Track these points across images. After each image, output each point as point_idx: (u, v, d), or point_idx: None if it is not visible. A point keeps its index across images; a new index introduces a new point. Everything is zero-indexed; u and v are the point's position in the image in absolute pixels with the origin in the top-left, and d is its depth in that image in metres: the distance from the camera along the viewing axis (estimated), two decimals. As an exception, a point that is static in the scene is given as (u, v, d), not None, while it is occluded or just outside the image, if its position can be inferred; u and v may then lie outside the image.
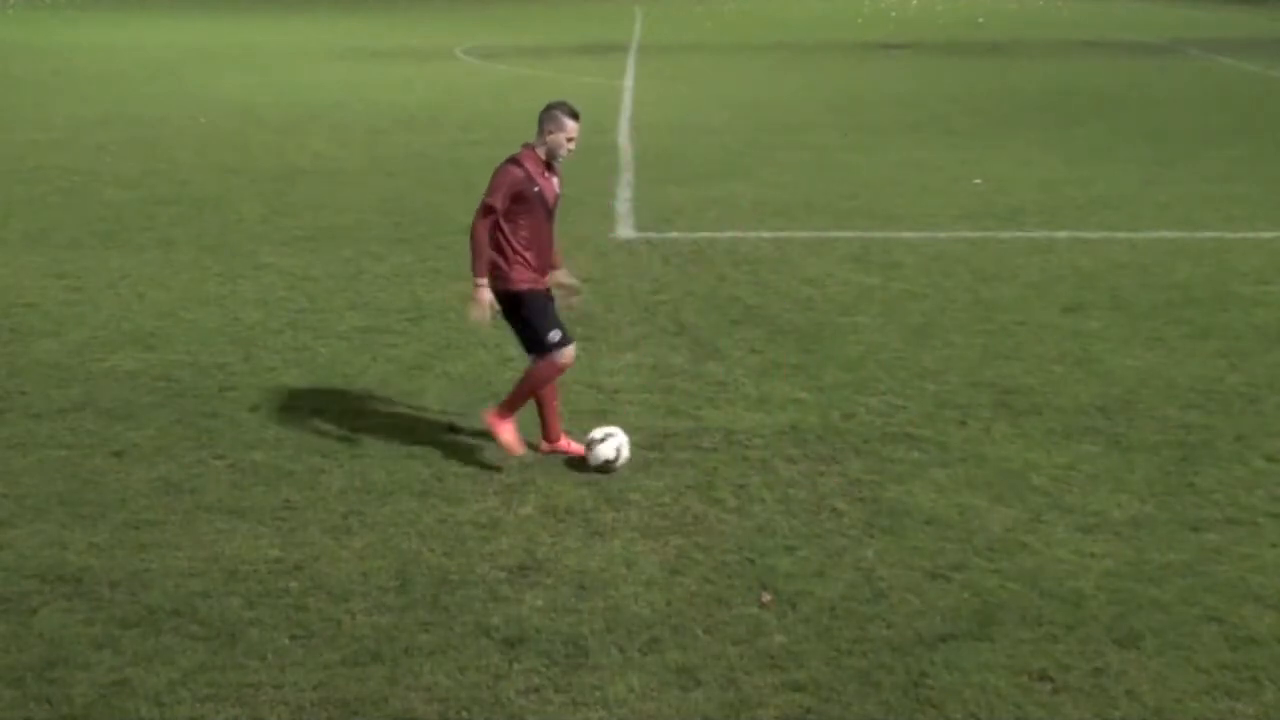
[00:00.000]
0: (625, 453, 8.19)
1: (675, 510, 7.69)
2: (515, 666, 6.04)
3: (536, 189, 8.00)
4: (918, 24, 49.42)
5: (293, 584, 6.79)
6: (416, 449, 8.54)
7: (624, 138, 21.70)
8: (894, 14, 55.12)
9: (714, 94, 27.60)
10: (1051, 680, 5.94)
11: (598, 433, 8.22)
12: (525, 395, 8.26)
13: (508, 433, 8.26)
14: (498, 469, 8.24)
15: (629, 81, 29.92)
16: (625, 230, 14.93)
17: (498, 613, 6.51)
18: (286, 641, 6.24)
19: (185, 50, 36.89)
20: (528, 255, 8.08)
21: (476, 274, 7.98)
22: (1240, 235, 14.64)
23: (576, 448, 8.35)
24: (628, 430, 8.88)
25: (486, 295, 8.00)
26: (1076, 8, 59.09)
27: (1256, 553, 7.17)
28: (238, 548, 7.19)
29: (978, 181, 17.74)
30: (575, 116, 8.06)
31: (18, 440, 8.72)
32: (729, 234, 14.68)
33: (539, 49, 38.23)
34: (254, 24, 47.44)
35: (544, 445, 8.47)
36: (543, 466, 8.28)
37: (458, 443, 8.65)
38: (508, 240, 8.03)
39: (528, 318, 8.15)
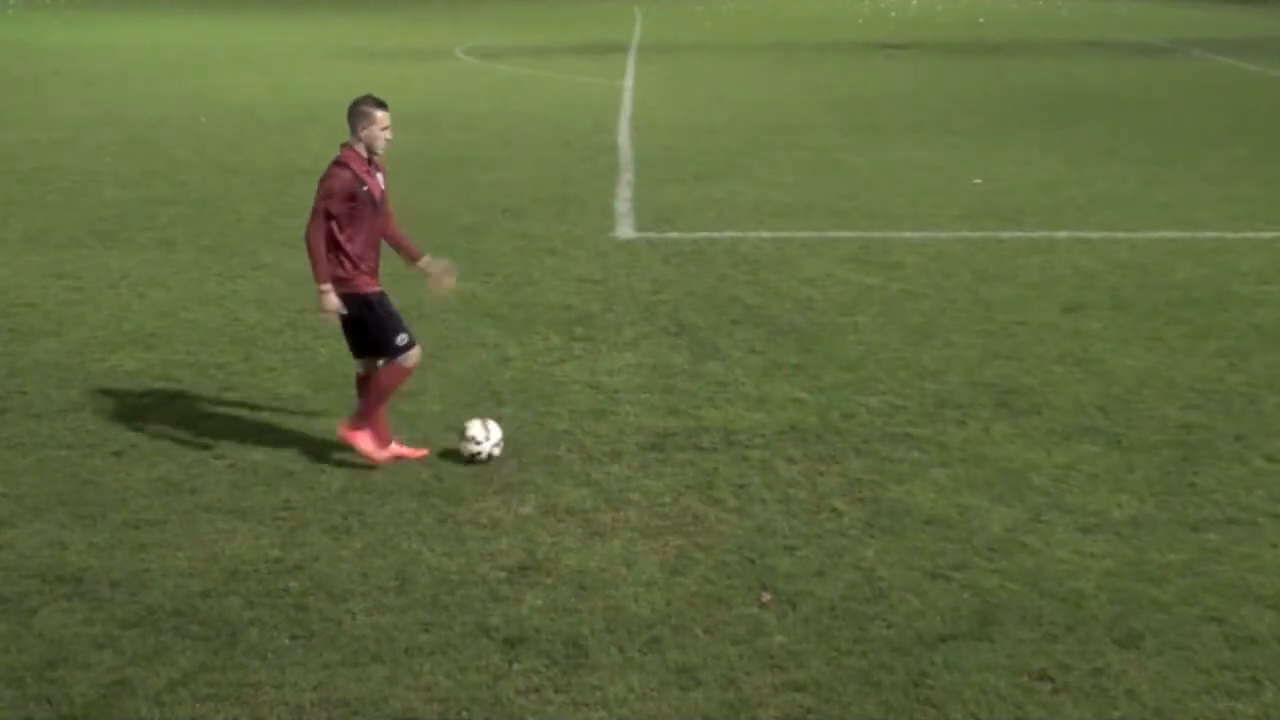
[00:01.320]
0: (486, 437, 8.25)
1: (675, 510, 7.69)
2: (515, 666, 6.04)
3: (365, 188, 8.03)
4: (918, 24, 49.42)
5: (293, 584, 6.79)
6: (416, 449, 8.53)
7: (624, 138, 21.70)
8: (894, 14, 55.12)
9: (714, 94, 27.59)
10: (1051, 680, 5.94)
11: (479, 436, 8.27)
12: (377, 403, 8.22)
13: (364, 441, 8.21)
14: (498, 469, 8.24)
15: (629, 81, 29.91)
16: (625, 230, 14.93)
17: (498, 613, 6.51)
18: (286, 641, 6.24)
19: (185, 50, 36.89)
20: (368, 257, 8.12)
21: (320, 280, 8.01)
22: (1240, 235, 14.64)
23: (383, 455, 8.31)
24: (628, 431, 8.89)
25: (332, 301, 8.04)
26: (1076, 8, 59.10)
27: (1256, 553, 7.17)
28: (238, 548, 7.19)
29: (978, 181, 17.74)
30: (383, 106, 8.11)
31: (18, 440, 8.72)
32: (729, 234, 14.68)
33: (539, 49, 38.24)
34: (254, 24, 47.44)
35: (342, 427, 8.37)
36: (542, 466, 8.28)
37: (458, 442, 8.64)
38: (347, 245, 8.04)
39: (378, 321, 8.15)
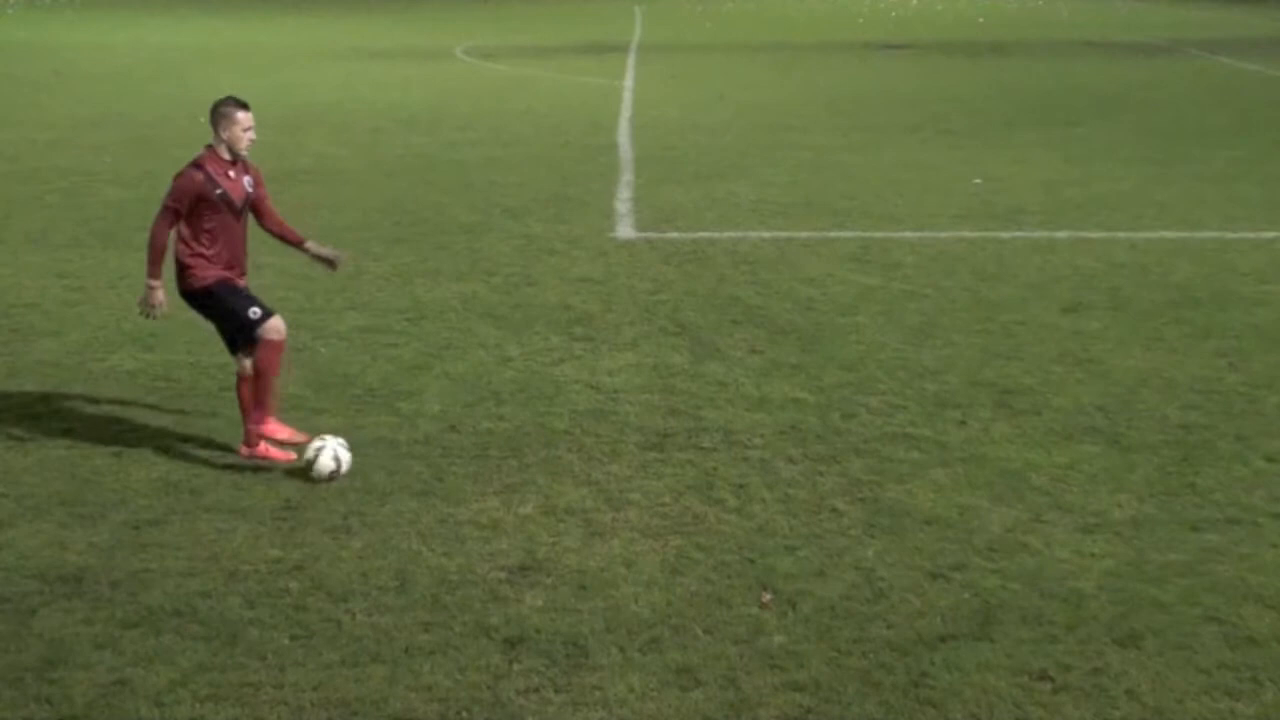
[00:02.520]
0: (345, 456, 8.04)
1: (675, 510, 7.69)
2: (515, 666, 6.04)
3: (219, 190, 8.08)
4: (918, 24, 49.42)
5: (293, 584, 6.79)
6: (416, 449, 8.54)
7: (624, 138, 21.71)
8: (894, 14, 55.13)
9: (714, 94, 27.58)
10: (1051, 680, 5.94)
11: (312, 447, 8.10)
12: (268, 387, 8.30)
13: (280, 432, 8.26)
14: (498, 469, 8.24)
15: (629, 81, 29.91)
16: (625, 230, 14.93)
17: (498, 613, 6.51)
18: (286, 641, 6.24)
19: (185, 50, 36.89)
20: (212, 254, 8.17)
21: (149, 275, 8.18)
22: (1240, 235, 14.64)
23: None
24: (628, 430, 8.89)
25: (159, 296, 8.22)
26: (1076, 8, 59.09)
27: (1256, 553, 7.17)
28: (238, 548, 7.19)
29: (978, 181, 17.74)
30: (244, 106, 8.20)
31: (18, 440, 8.72)
32: (729, 234, 14.68)
33: (539, 49, 38.24)
34: (254, 24, 47.44)
35: (243, 450, 8.36)
36: (542, 466, 8.29)
37: (458, 443, 8.65)
38: (191, 241, 8.13)
39: (223, 306, 8.23)
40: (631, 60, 35.08)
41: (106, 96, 26.73)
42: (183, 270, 8.19)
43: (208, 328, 11.12)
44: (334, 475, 8.00)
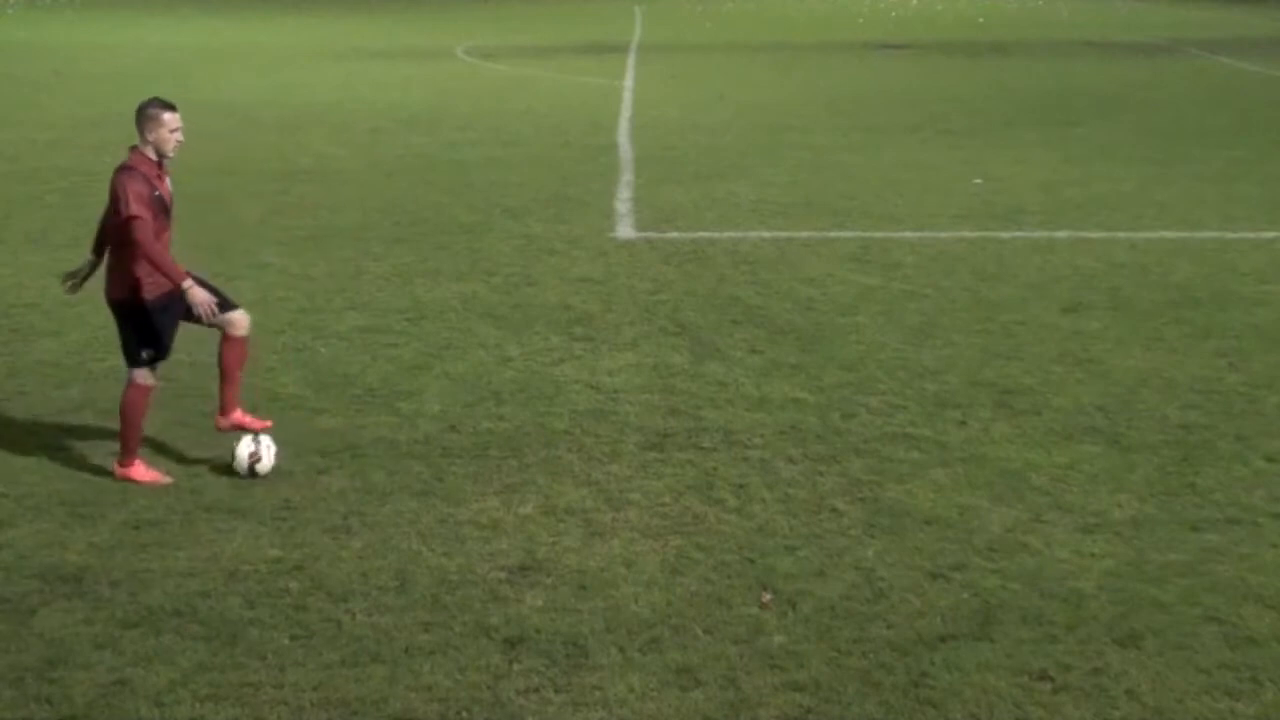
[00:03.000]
0: (270, 453, 8.09)
1: (675, 510, 7.69)
2: (515, 666, 6.04)
3: (157, 193, 7.89)
4: (918, 24, 49.42)
5: (293, 584, 6.79)
6: (416, 449, 8.54)
7: (624, 138, 21.70)
8: (894, 14, 55.14)
9: (714, 94, 27.58)
10: (1051, 680, 5.94)
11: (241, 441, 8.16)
12: (132, 430, 8.10)
13: (144, 474, 8.08)
14: (498, 469, 8.24)
15: (629, 81, 29.91)
16: (625, 230, 14.93)
17: (498, 613, 6.51)
18: (286, 641, 6.24)
19: (185, 50, 36.87)
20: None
21: (179, 283, 7.85)
22: (1240, 235, 14.64)
23: (255, 422, 8.34)
24: (628, 430, 8.89)
25: (200, 294, 7.87)
26: (1076, 8, 59.09)
27: (1256, 553, 7.17)
28: (238, 548, 7.19)
29: (978, 181, 17.74)
30: (171, 108, 7.97)
31: (18, 440, 8.72)
32: (729, 234, 14.68)
33: (539, 49, 38.23)
34: (254, 24, 47.43)
35: (220, 421, 8.40)
36: (542, 466, 8.28)
37: (458, 443, 8.65)
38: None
39: (133, 326, 8.02)
40: (631, 60, 35.08)
41: (106, 96, 26.69)
42: (123, 279, 7.95)
43: (205, 327, 11.16)
44: (254, 461, 8.05)
